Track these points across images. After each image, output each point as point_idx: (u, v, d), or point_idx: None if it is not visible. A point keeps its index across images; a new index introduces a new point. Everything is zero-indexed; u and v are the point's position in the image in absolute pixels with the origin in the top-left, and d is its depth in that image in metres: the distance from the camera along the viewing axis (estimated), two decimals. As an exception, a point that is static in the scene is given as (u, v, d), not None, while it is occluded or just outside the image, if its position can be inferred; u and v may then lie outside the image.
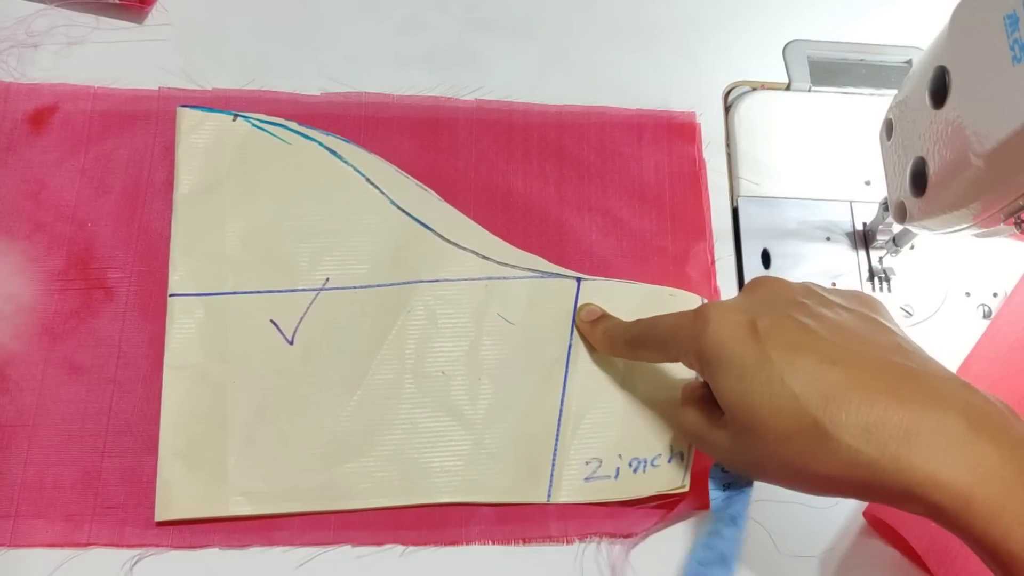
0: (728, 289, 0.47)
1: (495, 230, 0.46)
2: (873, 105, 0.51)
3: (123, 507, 0.39)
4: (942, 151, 0.35)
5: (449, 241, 0.45)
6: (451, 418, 0.42)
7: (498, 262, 0.45)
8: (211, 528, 0.39)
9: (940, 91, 0.35)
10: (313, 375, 0.42)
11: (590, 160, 0.48)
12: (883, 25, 0.53)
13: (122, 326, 0.42)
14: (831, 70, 0.52)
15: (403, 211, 0.45)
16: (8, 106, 0.46)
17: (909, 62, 0.53)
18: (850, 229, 0.48)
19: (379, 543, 0.40)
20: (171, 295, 0.42)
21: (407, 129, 0.48)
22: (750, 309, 0.35)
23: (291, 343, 0.42)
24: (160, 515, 0.39)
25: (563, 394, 0.43)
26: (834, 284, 0.47)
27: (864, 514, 0.42)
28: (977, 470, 0.29)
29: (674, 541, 0.41)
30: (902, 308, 0.47)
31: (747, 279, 0.46)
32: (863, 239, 0.48)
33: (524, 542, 0.41)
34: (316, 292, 0.43)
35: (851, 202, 0.49)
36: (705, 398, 0.37)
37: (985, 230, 0.36)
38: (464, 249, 0.45)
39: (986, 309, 0.47)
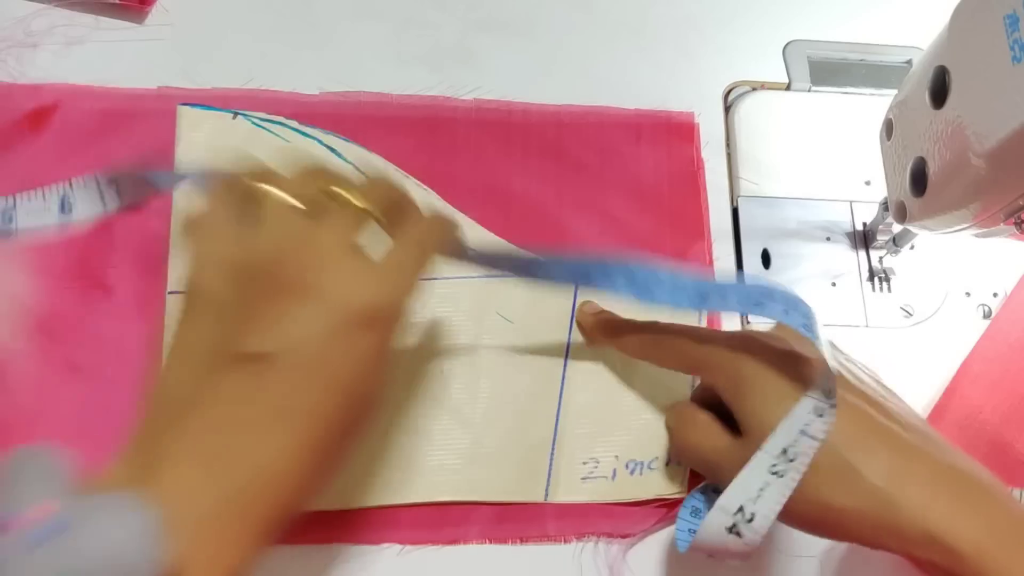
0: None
1: (494, 229, 0.46)
2: (873, 105, 0.51)
3: (122, 507, 0.39)
4: (942, 151, 0.35)
5: None
6: (449, 417, 0.42)
7: None
8: (210, 528, 0.39)
9: (940, 91, 0.35)
10: None
11: (589, 160, 0.48)
12: (883, 25, 0.53)
13: (121, 325, 0.42)
14: (831, 70, 0.52)
15: None
16: (8, 105, 0.46)
17: (909, 62, 0.53)
18: (850, 229, 0.48)
19: (376, 542, 0.40)
20: (170, 292, 0.42)
21: (406, 128, 0.48)
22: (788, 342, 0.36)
23: None
24: None
25: (561, 393, 0.43)
26: (834, 285, 0.47)
27: None
28: (992, 525, 0.32)
29: (671, 541, 0.41)
30: (902, 308, 0.47)
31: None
32: (863, 239, 0.48)
33: (522, 541, 0.41)
34: None
35: (851, 202, 0.49)
36: (714, 417, 0.37)
37: (985, 230, 0.36)
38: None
39: (986, 309, 0.47)
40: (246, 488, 0.28)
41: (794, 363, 0.35)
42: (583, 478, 0.41)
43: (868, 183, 0.49)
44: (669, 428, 0.41)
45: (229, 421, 0.29)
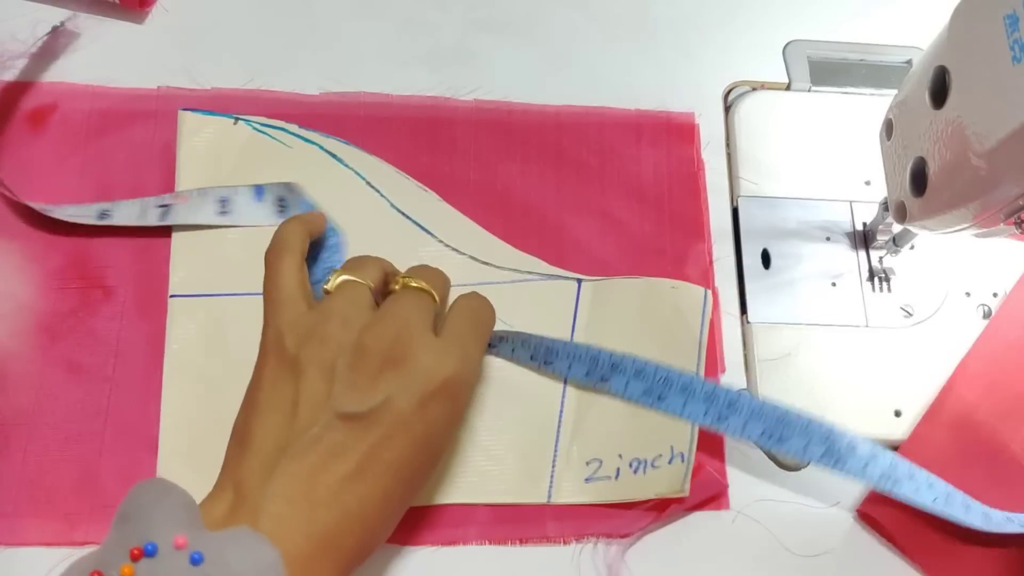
0: (728, 290, 0.47)
1: (494, 230, 0.46)
2: (873, 105, 0.51)
3: (121, 506, 0.39)
4: (942, 151, 0.35)
5: (448, 245, 0.45)
6: None
7: (497, 267, 0.45)
8: (211, 528, 0.39)
9: (940, 91, 0.35)
10: None
11: (589, 161, 0.48)
12: (883, 25, 0.53)
13: (120, 325, 0.42)
14: (831, 70, 0.52)
15: (403, 214, 0.45)
16: (7, 105, 0.46)
17: (909, 62, 0.53)
18: (850, 229, 0.48)
19: None
20: (172, 296, 0.42)
21: (406, 129, 0.48)
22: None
23: None
24: None
25: (563, 395, 0.43)
26: (834, 285, 0.47)
27: (857, 511, 0.42)
28: None
29: (670, 541, 0.41)
30: (902, 308, 0.47)
31: (747, 279, 0.47)
32: (863, 239, 0.48)
33: (521, 542, 0.41)
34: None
35: (851, 202, 0.49)
36: None
37: (985, 230, 0.36)
38: (463, 254, 0.45)
39: (986, 309, 0.47)
40: (335, 530, 0.32)
41: None
42: (587, 479, 0.41)
43: (868, 183, 0.49)
44: None
45: (324, 469, 0.33)
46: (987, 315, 0.46)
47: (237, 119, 0.46)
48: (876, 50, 0.53)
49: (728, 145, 0.50)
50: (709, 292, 0.44)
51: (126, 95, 0.47)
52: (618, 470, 0.41)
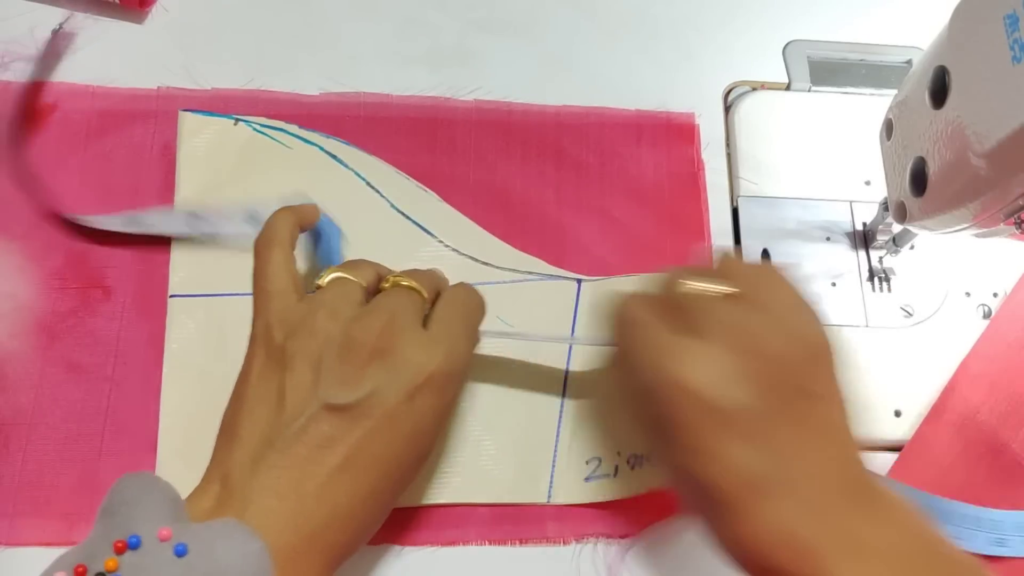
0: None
1: (494, 231, 0.46)
2: (873, 105, 0.51)
3: (121, 506, 0.39)
4: (942, 151, 0.35)
5: (448, 246, 0.45)
6: (451, 419, 0.42)
7: (497, 267, 0.45)
8: (210, 528, 0.39)
9: (940, 91, 0.35)
10: None
11: (589, 161, 0.48)
12: (883, 25, 0.53)
13: (120, 325, 0.42)
14: (831, 70, 0.52)
15: (403, 215, 0.45)
16: (6, 105, 0.46)
17: (909, 62, 0.53)
18: (850, 229, 0.48)
19: (375, 543, 0.40)
20: (171, 296, 0.42)
21: (406, 129, 0.48)
22: (724, 387, 0.31)
23: None
24: None
25: (563, 395, 0.43)
26: (834, 285, 0.47)
27: None
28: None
29: (670, 541, 0.41)
30: (902, 308, 0.47)
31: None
32: (863, 239, 0.48)
33: (521, 542, 0.41)
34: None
35: (851, 202, 0.49)
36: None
37: (985, 230, 0.36)
38: (463, 255, 0.45)
39: (986, 309, 0.47)
40: (323, 524, 0.32)
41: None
42: (586, 478, 0.41)
43: (868, 183, 0.49)
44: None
45: (312, 462, 0.32)
46: (987, 315, 0.46)
47: (237, 120, 0.46)
48: (876, 50, 0.53)
49: (728, 145, 0.50)
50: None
51: (126, 95, 0.47)
52: (616, 467, 0.41)
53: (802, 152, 0.50)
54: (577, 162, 0.48)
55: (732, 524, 0.31)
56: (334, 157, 0.46)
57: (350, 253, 0.44)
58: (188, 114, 0.46)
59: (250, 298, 0.42)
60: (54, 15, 0.48)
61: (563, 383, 0.43)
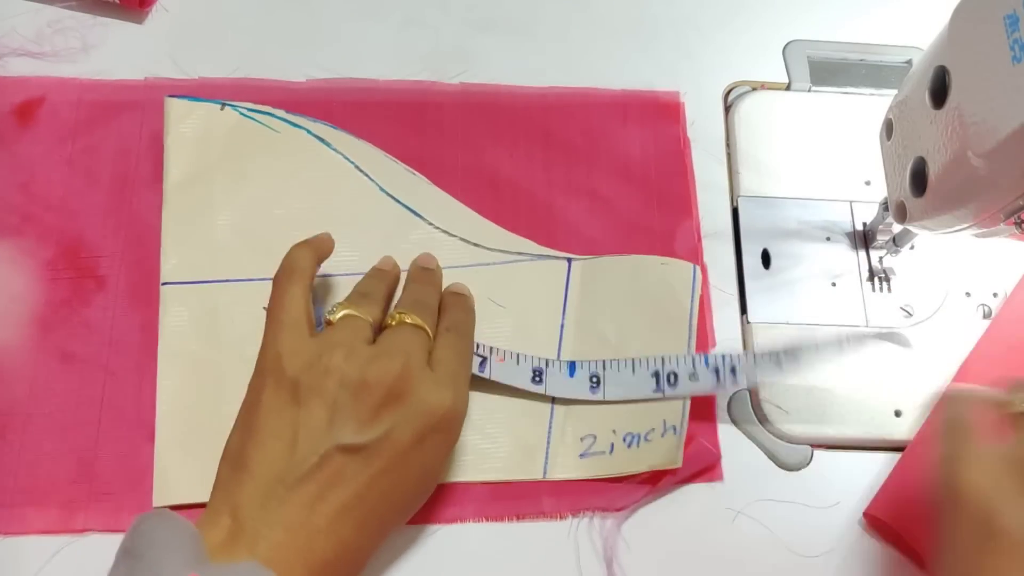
0: (728, 289, 0.47)
1: (484, 213, 0.46)
2: (873, 105, 0.51)
3: (119, 493, 0.40)
4: (942, 151, 0.35)
5: (438, 228, 0.45)
6: None
7: (487, 248, 0.45)
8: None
9: (940, 91, 0.35)
10: None
11: (576, 141, 0.49)
12: (883, 25, 0.53)
13: (113, 314, 0.43)
14: (831, 70, 0.52)
15: (393, 198, 0.45)
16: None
17: (909, 62, 0.53)
18: (850, 229, 0.48)
19: None
20: (164, 284, 0.43)
21: (394, 113, 0.48)
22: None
23: None
24: (158, 500, 0.39)
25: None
26: (834, 285, 0.47)
27: (864, 514, 0.42)
28: None
29: (664, 513, 0.42)
30: (902, 308, 0.47)
31: (747, 279, 0.47)
32: (863, 239, 0.48)
33: (518, 518, 0.41)
34: None
35: (851, 202, 0.49)
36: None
37: (985, 230, 0.36)
38: (453, 236, 0.45)
39: (986, 309, 0.47)
40: (333, 559, 0.33)
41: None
42: (581, 455, 0.42)
43: (868, 183, 0.49)
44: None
45: (322, 499, 0.33)
46: (987, 315, 0.46)
47: (224, 105, 0.46)
48: (876, 50, 0.53)
49: (728, 145, 0.50)
50: (698, 268, 0.45)
51: (113, 86, 0.47)
52: (612, 445, 0.41)
53: (802, 152, 0.50)
54: (564, 142, 0.49)
55: None
56: (322, 140, 0.46)
57: (340, 239, 0.44)
58: (175, 100, 0.46)
59: (242, 284, 0.43)
60: (55, 15, 0.48)
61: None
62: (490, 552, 0.40)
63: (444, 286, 0.43)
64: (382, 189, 0.46)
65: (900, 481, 0.42)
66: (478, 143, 0.48)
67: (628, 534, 0.41)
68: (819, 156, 0.50)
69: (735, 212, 0.48)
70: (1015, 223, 0.34)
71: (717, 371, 0.42)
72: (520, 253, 0.45)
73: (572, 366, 0.43)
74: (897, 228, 0.46)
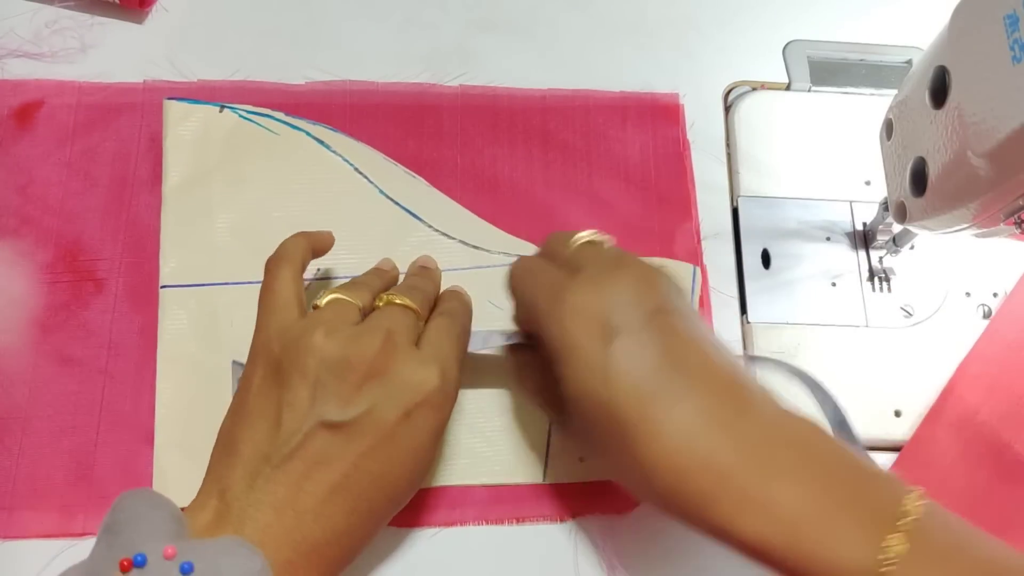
0: (728, 289, 0.47)
1: (483, 215, 0.46)
2: (873, 105, 0.51)
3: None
4: (942, 151, 0.35)
5: (438, 231, 0.45)
6: None
7: (487, 250, 0.45)
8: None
9: (940, 91, 0.35)
10: None
11: (575, 143, 0.49)
12: (883, 25, 0.53)
13: (112, 317, 0.43)
14: (831, 70, 0.52)
15: (392, 201, 0.45)
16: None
17: (909, 62, 0.53)
18: (850, 229, 0.48)
19: None
20: (163, 286, 0.43)
21: (393, 115, 0.48)
22: (606, 309, 0.34)
23: None
24: None
25: None
26: (834, 285, 0.47)
27: None
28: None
29: (664, 516, 0.41)
30: (902, 308, 0.47)
31: (747, 279, 0.46)
32: (863, 239, 0.48)
33: (518, 522, 0.41)
34: (307, 282, 0.43)
35: (851, 202, 0.49)
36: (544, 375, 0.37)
37: (985, 230, 0.36)
38: (452, 239, 0.45)
39: (986, 309, 0.47)
40: (322, 541, 0.33)
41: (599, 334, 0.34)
42: (580, 457, 0.42)
43: (868, 183, 0.49)
44: None
45: (309, 478, 0.33)
46: (987, 315, 0.46)
47: (223, 107, 0.46)
48: (876, 50, 0.53)
49: (728, 145, 0.50)
50: (697, 269, 0.45)
51: (112, 89, 0.47)
52: None
53: (802, 152, 0.50)
54: (563, 144, 0.49)
55: (633, 449, 0.32)
56: (321, 143, 0.46)
57: (340, 242, 0.44)
58: (173, 102, 0.46)
59: (241, 287, 0.43)
60: (55, 15, 0.48)
61: None
62: (490, 555, 0.40)
63: (443, 288, 0.43)
64: (381, 191, 0.46)
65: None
66: (477, 145, 0.48)
67: (628, 537, 0.41)
68: (819, 156, 0.50)
69: (735, 212, 0.48)
70: (1015, 223, 0.34)
71: None
72: (520, 255, 0.45)
73: None
74: (897, 228, 0.46)
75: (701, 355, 0.33)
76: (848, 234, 0.48)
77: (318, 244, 0.41)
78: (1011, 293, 0.46)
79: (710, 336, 0.35)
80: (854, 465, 0.32)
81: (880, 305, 0.46)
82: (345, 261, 0.43)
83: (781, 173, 0.49)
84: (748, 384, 0.34)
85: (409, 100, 0.48)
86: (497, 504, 0.41)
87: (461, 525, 0.41)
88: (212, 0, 0.50)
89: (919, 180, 0.37)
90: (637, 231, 0.47)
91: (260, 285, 0.39)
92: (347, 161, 0.46)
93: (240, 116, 0.46)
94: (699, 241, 0.47)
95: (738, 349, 0.45)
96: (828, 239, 0.48)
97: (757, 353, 0.45)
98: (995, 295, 0.47)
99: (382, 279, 0.41)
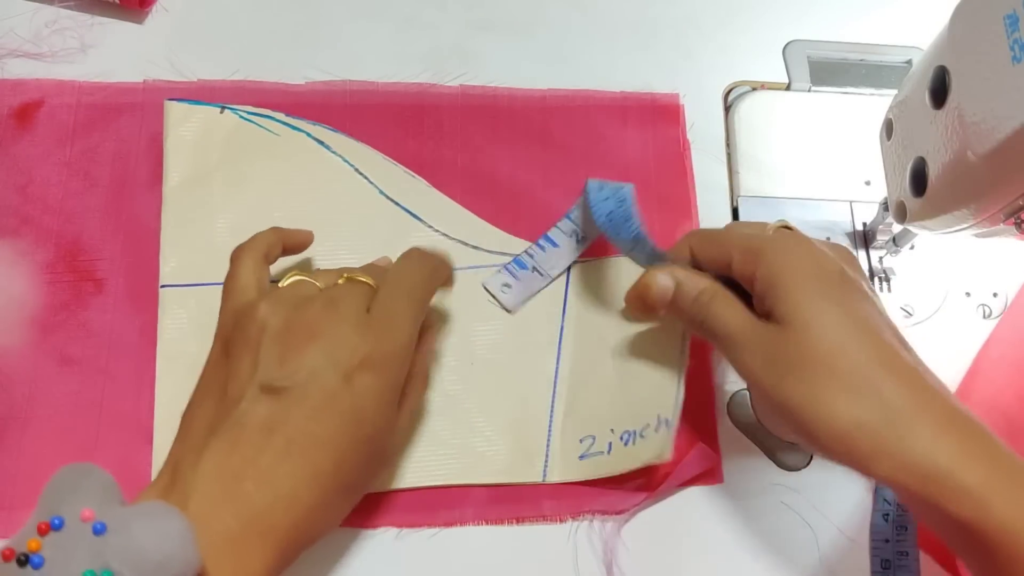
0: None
1: (483, 215, 0.46)
2: (873, 105, 0.51)
3: (117, 496, 0.39)
4: (942, 151, 0.35)
5: (438, 231, 0.45)
6: (444, 402, 0.42)
7: (487, 250, 0.45)
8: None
9: (940, 91, 0.35)
10: None
11: (575, 143, 0.49)
12: (883, 25, 0.53)
13: (112, 317, 0.43)
14: (831, 70, 0.52)
15: (392, 201, 0.46)
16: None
17: (909, 62, 0.53)
18: (850, 229, 0.48)
19: (373, 526, 0.40)
20: (163, 286, 0.43)
21: (393, 116, 0.48)
22: (832, 258, 0.37)
23: None
24: None
25: (556, 375, 0.43)
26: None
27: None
28: (997, 467, 0.32)
29: (664, 515, 0.42)
30: (902, 308, 0.47)
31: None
32: (863, 239, 0.48)
33: (518, 522, 0.41)
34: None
35: (851, 202, 0.49)
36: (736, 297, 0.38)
37: (985, 230, 0.36)
38: (452, 239, 0.45)
39: (986, 309, 0.47)
40: (265, 508, 0.32)
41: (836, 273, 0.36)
42: (580, 456, 0.42)
43: (868, 183, 0.49)
44: (684, 293, 0.39)
45: (251, 445, 0.33)
46: (987, 315, 0.46)
47: (223, 108, 0.46)
48: (876, 50, 0.53)
49: (728, 145, 0.50)
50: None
51: (112, 89, 0.47)
52: (610, 444, 0.41)
53: (802, 152, 0.50)
54: (564, 145, 0.48)
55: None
56: (321, 143, 0.46)
57: (337, 243, 0.44)
58: (174, 103, 0.46)
59: None
60: (55, 15, 0.48)
61: (555, 363, 0.43)
62: (489, 555, 0.40)
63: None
64: (381, 192, 0.46)
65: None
66: (477, 145, 0.48)
67: (627, 537, 0.41)
68: (819, 156, 0.50)
69: (735, 212, 0.48)
70: (1015, 223, 0.34)
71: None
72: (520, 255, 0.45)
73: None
74: (897, 228, 0.46)
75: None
76: (848, 234, 0.48)
77: (291, 240, 0.41)
78: (1020, 292, 0.46)
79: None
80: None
81: (880, 305, 0.46)
82: (345, 261, 0.43)
83: (781, 173, 0.49)
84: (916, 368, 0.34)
85: (409, 100, 0.48)
86: (497, 504, 0.41)
87: (461, 525, 0.41)
88: (212, 0, 0.50)
89: (919, 180, 0.37)
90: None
91: None
92: (347, 161, 0.46)
93: (240, 117, 0.46)
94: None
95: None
96: (828, 239, 0.48)
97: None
98: (995, 295, 0.47)
99: (365, 269, 0.41)
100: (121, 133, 0.46)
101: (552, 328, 0.44)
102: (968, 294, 0.47)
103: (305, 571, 0.38)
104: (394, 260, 0.43)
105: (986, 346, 0.44)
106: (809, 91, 0.52)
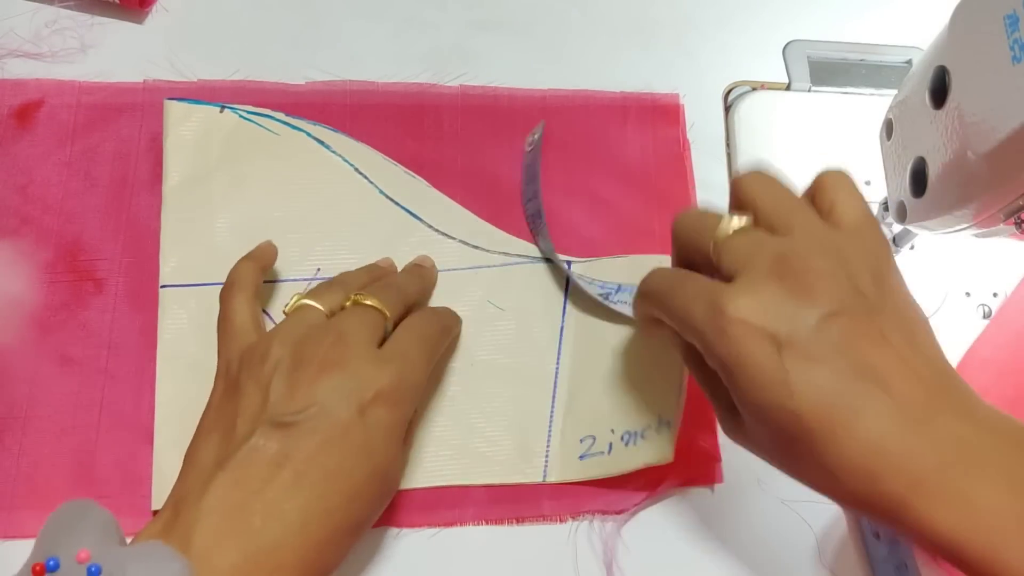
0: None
1: (483, 215, 0.46)
2: (873, 105, 0.51)
3: (117, 496, 0.40)
4: (942, 151, 0.35)
5: (438, 231, 0.45)
6: (444, 403, 0.42)
7: (487, 250, 0.45)
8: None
9: (940, 91, 0.35)
10: None
11: (575, 143, 0.49)
12: (883, 25, 0.53)
13: (112, 317, 0.43)
14: (831, 70, 0.52)
15: (392, 201, 0.46)
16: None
17: (909, 62, 0.53)
18: (850, 229, 0.48)
19: (374, 526, 0.40)
20: (163, 286, 0.43)
21: (393, 116, 0.48)
22: (772, 319, 0.30)
23: None
24: (157, 503, 0.39)
25: (556, 376, 0.43)
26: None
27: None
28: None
29: (664, 516, 0.42)
30: (902, 308, 0.46)
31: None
32: (863, 239, 0.48)
33: (518, 522, 0.41)
34: (307, 282, 0.43)
35: (851, 202, 0.49)
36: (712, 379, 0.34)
37: (985, 230, 0.36)
38: (453, 239, 0.45)
39: (986, 309, 0.47)
40: (272, 544, 0.31)
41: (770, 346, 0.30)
42: (580, 456, 0.42)
43: (868, 183, 0.49)
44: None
45: (259, 479, 0.32)
46: (987, 315, 0.46)
47: (223, 107, 0.46)
48: (876, 50, 0.53)
49: (728, 145, 0.50)
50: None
51: (112, 89, 0.47)
52: (610, 445, 0.41)
53: (802, 152, 0.50)
54: (564, 145, 0.49)
55: (821, 456, 0.29)
56: (321, 143, 0.46)
57: (340, 242, 0.44)
58: (174, 103, 0.46)
59: None
60: (55, 15, 0.48)
61: (555, 364, 0.44)
62: (489, 555, 0.40)
63: (443, 288, 0.43)
64: (381, 192, 0.46)
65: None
66: (477, 145, 0.48)
67: (627, 537, 0.41)
68: (819, 156, 0.50)
69: (735, 212, 0.48)
70: (1015, 223, 0.34)
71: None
72: (520, 255, 0.45)
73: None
74: (897, 228, 0.46)
75: (889, 354, 0.31)
76: (848, 234, 0.48)
77: (264, 260, 0.41)
78: (1021, 283, 0.46)
79: (912, 328, 0.33)
80: None
81: (880, 305, 0.46)
82: (345, 261, 0.44)
83: (781, 173, 0.49)
84: (947, 381, 0.32)
85: (409, 100, 0.48)
86: (497, 504, 0.41)
87: (461, 525, 0.41)
88: (212, 0, 0.50)
89: (919, 180, 0.37)
90: (637, 231, 0.47)
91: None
92: (347, 161, 0.46)
93: (241, 116, 0.46)
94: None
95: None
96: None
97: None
98: (995, 295, 0.47)
99: (370, 274, 0.41)
100: (121, 133, 0.46)
101: (552, 328, 0.44)
102: (968, 294, 0.47)
103: (305, 571, 0.38)
104: (394, 261, 0.44)
105: (973, 348, 0.44)
106: (809, 91, 0.52)
